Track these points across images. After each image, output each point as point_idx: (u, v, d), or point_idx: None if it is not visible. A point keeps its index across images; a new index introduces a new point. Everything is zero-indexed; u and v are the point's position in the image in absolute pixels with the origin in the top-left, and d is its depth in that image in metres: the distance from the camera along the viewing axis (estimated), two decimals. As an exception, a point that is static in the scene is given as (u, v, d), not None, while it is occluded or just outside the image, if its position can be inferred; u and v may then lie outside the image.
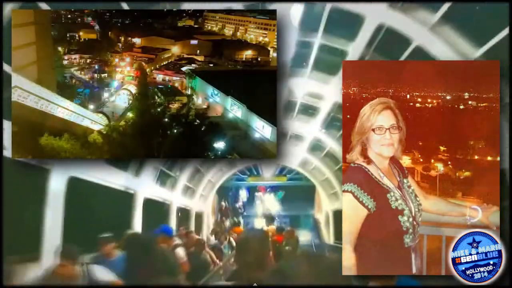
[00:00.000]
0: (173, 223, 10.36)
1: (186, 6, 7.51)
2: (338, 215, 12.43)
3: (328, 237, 13.78)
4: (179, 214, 11.47)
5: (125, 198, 7.85)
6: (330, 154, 11.18)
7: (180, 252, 5.93)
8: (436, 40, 5.95)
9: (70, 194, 6.14)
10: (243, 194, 15.99)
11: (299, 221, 15.41)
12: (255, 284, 2.30)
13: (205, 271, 6.79)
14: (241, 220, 14.98)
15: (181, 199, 11.09)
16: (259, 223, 15.10)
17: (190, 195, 11.87)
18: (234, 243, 10.05)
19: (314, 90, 8.42)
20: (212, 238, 11.52)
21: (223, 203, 15.39)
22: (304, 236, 13.81)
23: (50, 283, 5.06)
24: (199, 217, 12.98)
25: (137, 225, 7.86)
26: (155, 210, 9.39)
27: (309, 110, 9.56)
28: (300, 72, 7.95)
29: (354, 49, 6.86)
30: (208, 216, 14.25)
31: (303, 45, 7.23)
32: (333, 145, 10.40)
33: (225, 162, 12.39)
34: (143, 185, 8.31)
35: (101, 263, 5.48)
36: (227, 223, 13.88)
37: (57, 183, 5.94)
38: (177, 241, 6.12)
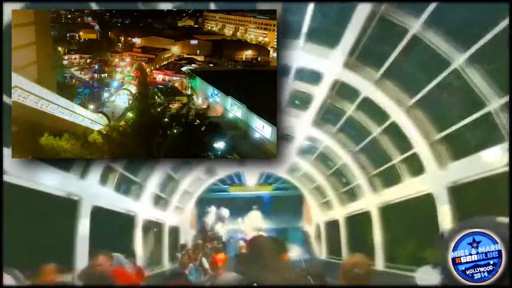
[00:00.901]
0: (139, 239, 8.25)
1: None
2: (331, 227, 11.05)
3: (320, 252, 12.51)
4: (155, 229, 9.85)
5: (68, 207, 5.91)
6: (324, 156, 8.99)
7: None
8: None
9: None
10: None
11: (286, 235, 13.82)
12: (255, 284, 2.30)
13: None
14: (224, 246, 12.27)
15: (150, 211, 9.02)
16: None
17: (162, 206, 9.97)
18: (206, 266, 8.01)
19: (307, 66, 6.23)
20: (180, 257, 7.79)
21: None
22: (293, 252, 12.12)
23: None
24: (174, 232, 11.02)
25: (81, 242, 5.96)
26: (112, 223, 7.38)
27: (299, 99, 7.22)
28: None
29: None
30: (186, 232, 12.15)
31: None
32: (329, 143, 8.05)
33: (202, 169, 10.69)
34: (92, 191, 6.41)
35: None
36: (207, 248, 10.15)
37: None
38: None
